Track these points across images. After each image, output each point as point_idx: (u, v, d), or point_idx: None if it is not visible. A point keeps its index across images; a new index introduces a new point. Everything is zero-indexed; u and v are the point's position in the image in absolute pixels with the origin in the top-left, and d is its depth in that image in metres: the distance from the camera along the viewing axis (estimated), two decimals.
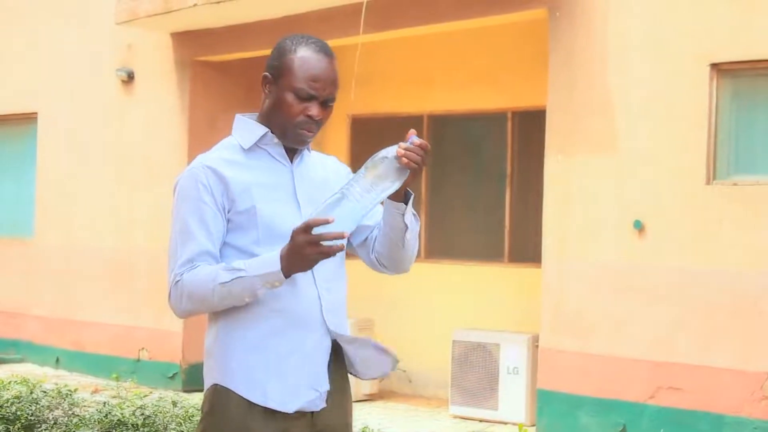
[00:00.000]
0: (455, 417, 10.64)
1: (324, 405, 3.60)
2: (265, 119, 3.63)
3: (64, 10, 14.03)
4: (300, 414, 3.55)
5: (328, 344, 3.60)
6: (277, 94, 3.57)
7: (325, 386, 3.59)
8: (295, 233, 3.30)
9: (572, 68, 9.51)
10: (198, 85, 12.58)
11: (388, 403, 11.36)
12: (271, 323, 3.51)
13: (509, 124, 11.73)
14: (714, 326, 8.63)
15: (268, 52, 3.70)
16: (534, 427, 9.88)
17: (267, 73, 3.60)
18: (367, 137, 12.66)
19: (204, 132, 12.34)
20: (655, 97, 8.92)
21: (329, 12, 10.84)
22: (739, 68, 8.77)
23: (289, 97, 3.54)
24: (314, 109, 3.56)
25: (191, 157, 11.95)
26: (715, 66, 8.78)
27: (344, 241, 3.37)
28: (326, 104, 3.59)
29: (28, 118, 14.59)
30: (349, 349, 3.65)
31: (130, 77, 13.14)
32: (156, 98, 12.89)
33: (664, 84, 8.92)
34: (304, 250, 3.30)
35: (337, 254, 3.45)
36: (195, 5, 11.18)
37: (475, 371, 10.50)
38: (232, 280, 3.41)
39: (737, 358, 8.52)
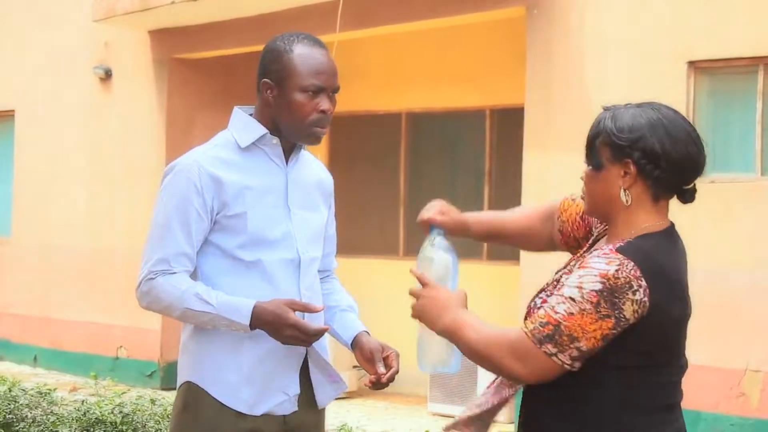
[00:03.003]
0: (434, 414, 10.65)
1: (295, 409, 3.59)
2: (269, 122, 3.57)
3: (41, 7, 13.97)
4: (270, 416, 3.56)
5: (303, 349, 3.60)
6: (285, 97, 3.52)
7: (295, 390, 3.59)
8: (283, 318, 3.39)
9: (550, 66, 9.53)
10: (175, 82, 12.55)
11: (366, 401, 11.36)
12: None
13: (487, 121, 11.75)
14: (691, 323, 8.62)
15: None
16: (512, 424, 9.89)
17: (267, 79, 3.54)
18: (346, 135, 12.65)
19: (182, 130, 12.32)
20: (632, 95, 8.86)
21: (306, 10, 10.83)
22: (716, 66, 8.81)
23: (300, 97, 3.50)
24: (325, 103, 3.53)
25: (169, 155, 11.94)
26: (692, 64, 8.81)
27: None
28: (332, 95, 3.58)
29: (5, 116, 14.52)
30: (311, 367, 3.66)
31: (108, 75, 13.10)
32: (133, 96, 12.85)
33: (642, 81, 8.95)
34: (285, 331, 3.40)
35: (318, 259, 3.61)
36: (173, 2, 11.16)
37: None
38: (200, 311, 3.44)
39: (715, 355, 8.55)
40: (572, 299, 2.76)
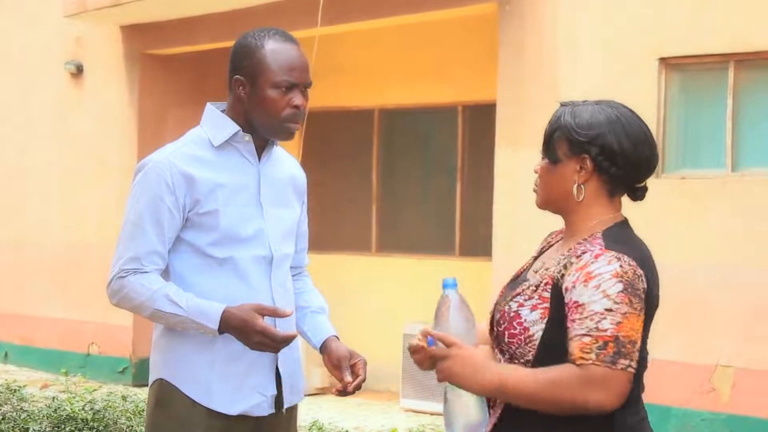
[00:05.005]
0: (406, 410, 10.65)
1: (272, 411, 3.59)
2: (241, 118, 3.56)
3: (12, 2, 13.89)
4: (244, 416, 3.54)
5: None
6: (258, 93, 3.51)
7: (272, 390, 3.58)
8: (251, 324, 3.36)
9: (522, 62, 9.54)
10: (147, 78, 12.51)
11: (338, 397, 11.33)
12: None
13: (460, 117, 11.76)
14: (662, 319, 8.64)
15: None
16: None
17: (239, 76, 3.53)
18: (319, 131, 12.63)
19: (153, 125, 12.28)
20: (604, 91, 8.92)
21: (280, 5, 10.81)
22: (687, 62, 8.84)
23: (272, 93, 3.49)
24: (298, 98, 3.52)
25: (141, 151, 11.90)
26: (663, 60, 8.84)
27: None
28: (305, 91, 3.57)
29: None
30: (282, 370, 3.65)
31: (79, 70, 13.04)
32: (105, 92, 12.80)
33: (614, 78, 8.98)
34: (253, 337, 3.38)
35: (290, 256, 3.60)
36: None
37: None
38: (170, 313, 3.43)
39: (685, 350, 8.59)
40: (610, 310, 2.75)
